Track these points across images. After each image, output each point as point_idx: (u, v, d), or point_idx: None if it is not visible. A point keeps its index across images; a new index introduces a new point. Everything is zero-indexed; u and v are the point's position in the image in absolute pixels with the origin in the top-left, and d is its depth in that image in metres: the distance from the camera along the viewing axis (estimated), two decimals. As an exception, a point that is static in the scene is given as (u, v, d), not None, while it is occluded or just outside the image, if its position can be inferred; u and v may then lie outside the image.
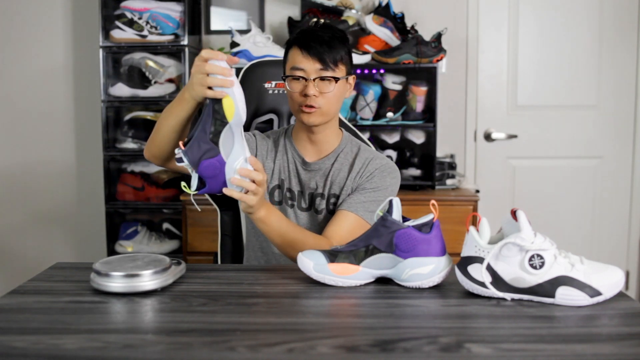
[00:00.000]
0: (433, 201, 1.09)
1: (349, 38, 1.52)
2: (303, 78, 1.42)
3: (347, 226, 1.41)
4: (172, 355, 0.82)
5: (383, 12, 2.66)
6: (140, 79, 2.72)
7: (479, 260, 1.03)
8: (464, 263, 1.05)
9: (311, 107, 1.42)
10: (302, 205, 1.51)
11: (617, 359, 0.80)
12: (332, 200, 1.51)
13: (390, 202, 1.12)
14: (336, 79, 1.43)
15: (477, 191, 2.66)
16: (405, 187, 2.63)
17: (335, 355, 0.81)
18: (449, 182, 2.67)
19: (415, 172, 2.71)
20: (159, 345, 0.85)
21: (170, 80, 2.68)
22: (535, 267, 1.00)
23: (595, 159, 3.00)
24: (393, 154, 2.73)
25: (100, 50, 2.63)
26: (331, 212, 1.50)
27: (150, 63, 2.65)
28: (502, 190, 2.99)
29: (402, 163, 2.76)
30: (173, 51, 2.65)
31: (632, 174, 3.01)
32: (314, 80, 1.41)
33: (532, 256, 1.00)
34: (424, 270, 1.08)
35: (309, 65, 1.41)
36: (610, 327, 0.93)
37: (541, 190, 2.99)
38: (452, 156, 2.85)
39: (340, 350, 0.83)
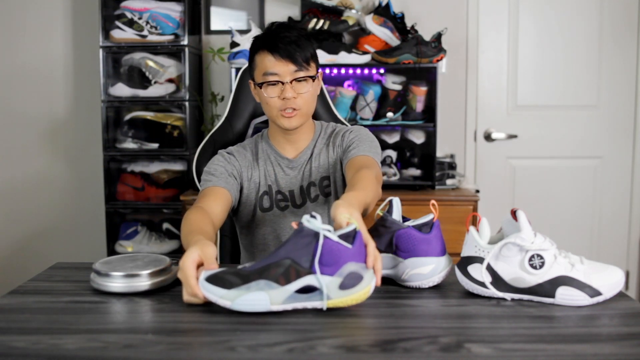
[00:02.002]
0: (433, 201, 1.09)
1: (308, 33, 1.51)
2: (279, 82, 1.40)
3: (364, 162, 1.37)
4: (172, 355, 0.82)
5: (383, 12, 2.66)
6: (140, 79, 2.72)
7: (479, 260, 1.03)
8: (464, 263, 1.05)
9: (291, 110, 1.41)
10: (297, 203, 1.51)
11: (617, 359, 0.80)
12: (325, 183, 1.52)
13: (390, 202, 1.12)
14: (312, 78, 1.43)
15: (477, 191, 2.66)
16: (405, 187, 2.63)
17: (335, 355, 0.81)
18: (449, 182, 2.67)
19: (415, 172, 2.71)
20: (159, 345, 0.85)
21: (170, 80, 2.68)
22: (535, 267, 1.00)
23: (595, 159, 3.00)
24: (393, 154, 2.73)
25: (100, 50, 2.62)
26: (325, 195, 1.51)
27: (150, 63, 2.65)
28: (502, 190, 2.99)
29: (402, 163, 2.76)
30: (173, 51, 2.65)
31: (632, 174, 3.01)
32: (290, 82, 1.40)
33: (532, 256, 1.00)
34: (424, 270, 1.08)
35: (283, 68, 1.39)
36: (610, 327, 0.93)
37: (541, 190, 2.99)
38: (452, 156, 2.84)
39: (340, 350, 0.83)
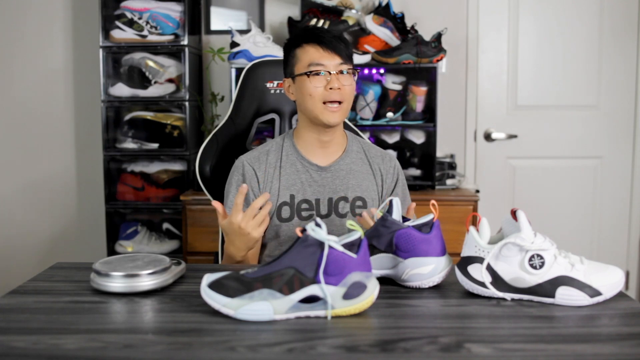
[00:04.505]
0: (433, 201, 1.09)
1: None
2: (326, 71, 1.42)
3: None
4: (172, 355, 0.82)
5: (383, 12, 2.66)
6: (140, 79, 2.72)
7: (479, 260, 1.03)
8: (464, 263, 1.05)
9: (336, 103, 1.42)
10: (321, 213, 1.48)
11: (617, 359, 0.80)
12: (358, 203, 1.50)
13: (390, 202, 1.12)
14: (355, 69, 1.46)
15: (477, 191, 2.66)
16: (405, 187, 2.63)
17: (335, 355, 0.81)
18: (449, 182, 2.67)
19: (415, 172, 2.71)
20: (159, 345, 0.85)
21: (170, 80, 2.68)
22: (535, 267, 1.00)
23: (595, 159, 3.00)
24: (393, 154, 2.73)
25: (100, 50, 2.62)
26: (356, 215, 1.49)
27: (150, 63, 2.65)
28: (502, 190, 2.99)
29: (402, 163, 2.75)
30: (173, 51, 2.65)
31: (632, 174, 3.01)
32: (337, 73, 1.42)
33: (532, 256, 1.00)
34: (424, 270, 1.08)
35: (330, 60, 1.42)
36: (610, 327, 0.93)
37: (541, 190, 2.99)
38: (452, 156, 2.85)
39: (340, 350, 0.83)
